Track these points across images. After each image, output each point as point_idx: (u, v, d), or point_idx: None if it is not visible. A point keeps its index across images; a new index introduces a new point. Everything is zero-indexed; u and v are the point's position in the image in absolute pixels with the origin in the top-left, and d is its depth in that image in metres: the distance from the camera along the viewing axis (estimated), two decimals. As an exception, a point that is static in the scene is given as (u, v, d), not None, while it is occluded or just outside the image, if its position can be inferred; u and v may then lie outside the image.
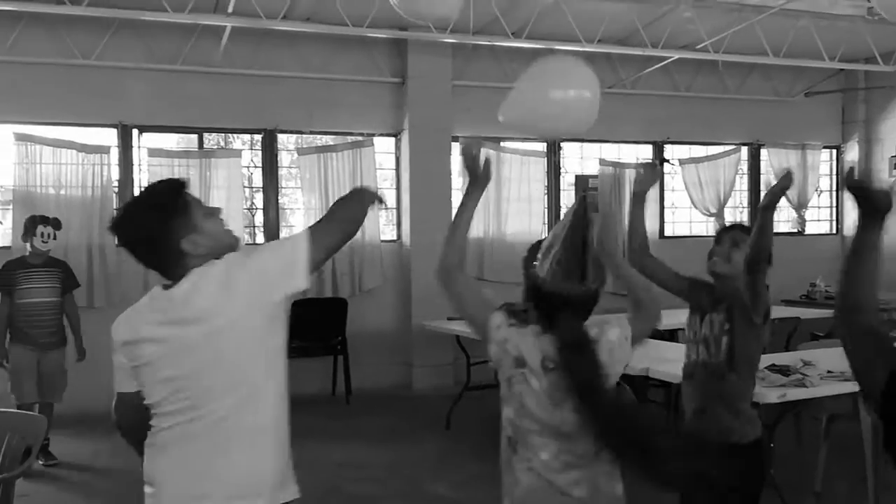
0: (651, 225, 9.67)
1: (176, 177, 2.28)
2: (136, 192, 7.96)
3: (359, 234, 8.96)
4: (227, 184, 8.12)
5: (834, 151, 11.01)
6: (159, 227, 2.08)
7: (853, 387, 4.26)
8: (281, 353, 2.17)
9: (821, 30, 8.15)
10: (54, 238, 5.93)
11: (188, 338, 2.01)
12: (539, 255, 2.32)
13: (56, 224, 5.97)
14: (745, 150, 10.42)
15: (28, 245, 5.89)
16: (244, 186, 8.49)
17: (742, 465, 3.02)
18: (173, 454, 2.05)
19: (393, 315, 8.69)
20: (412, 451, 6.25)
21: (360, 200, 2.25)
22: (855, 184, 1.90)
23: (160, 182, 2.27)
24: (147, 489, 2.11)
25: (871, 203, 1.84)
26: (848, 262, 1.81)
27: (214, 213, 2.22)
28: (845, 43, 8.50)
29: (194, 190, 8.56)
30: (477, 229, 8.95)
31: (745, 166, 10.50)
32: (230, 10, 6.81)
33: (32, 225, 5.88)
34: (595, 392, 2.15)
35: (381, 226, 8.82)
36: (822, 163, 10.84)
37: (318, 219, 2.24)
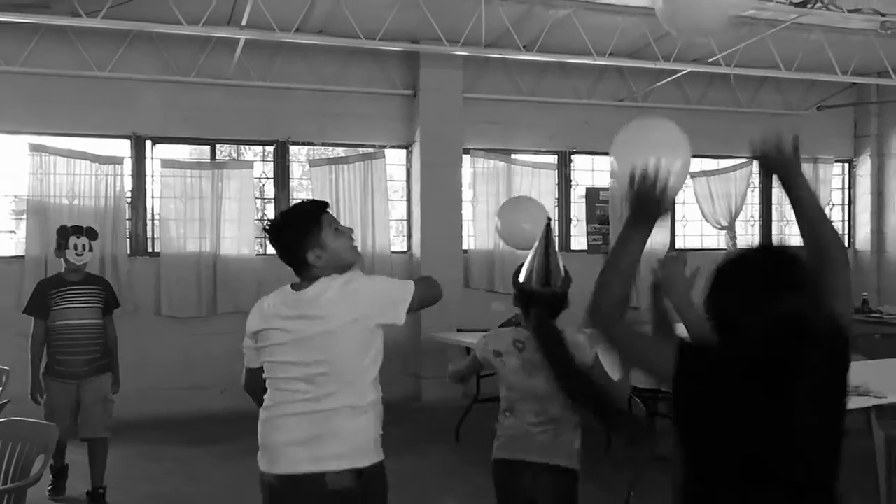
0: (661, 238, 9.63)
1: (318, 199, 2.84)
2: (148, 203, 8.07)
3: (369, 244, 8.91)
4: (239, 195, 8.16)
5: (846, 165, 10.97)
6: (293, 240, 2.67)
7: (866, 401, 4.25)
8: (376, 356, 2.76)
9: (833, 44, 8.14)
10: (90, 249, 5.25)
11: (308, 331, 2.57)
12: (523, 268, 3.20)
13: (91, 234, 5.32)
14: (756, 163, 10.39)
15: (62, 260, 5.26)
16: (256, 197, 8.54)
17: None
18: (290, 422, 2.58)
19: (402, 326, 8.63)
20: (421, 462, 6.24)
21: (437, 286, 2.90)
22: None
23: (305, 202, 2.84)
24: (262, 453, 2.65)
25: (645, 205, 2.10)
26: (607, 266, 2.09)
27: (345, 232, 2.73)
28: (857, 57, 8.48)
29: (205, 200, 8.53)
30: (487, 241, 8.96)
31: (756, 180, 10.47)
32: (244, 22, 6.87)
33: (64, 236, 5.22)
34: (560, 362, 2.93)
35: (392, 237, 8.83)
36: (835, 176, 10.80)
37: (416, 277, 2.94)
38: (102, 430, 5.28)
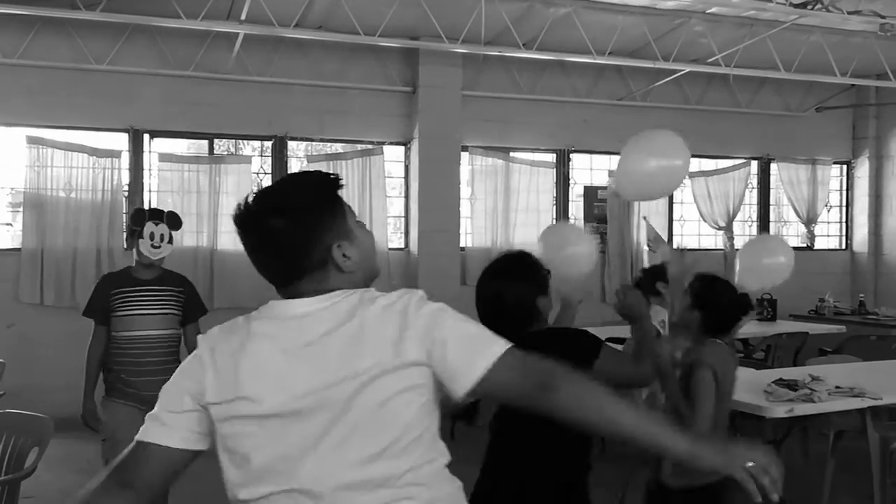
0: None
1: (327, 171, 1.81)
2: (146, 197, 8.05)
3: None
4: (237, 190, 8.14)
5: (844, 167, 10.98)
6: (307, 227, 1.67)
7: (861, 402, 4.25)
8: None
9: (832, 45, 8.14)
10: (170, 241, 4.04)
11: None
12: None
13: (173, 221, 4.09)
14: (754, 164, 10.41)
15: (133, 252, 4.03)
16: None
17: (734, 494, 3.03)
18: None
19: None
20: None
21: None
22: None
23: (311, 173, 1.80)
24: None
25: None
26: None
27: (365, 226, 1.82)
28: (857, 58, 8.49)
29: (203, 195, 8.38)
30: (484, 238, 8.97)
31: (754, 180, 10.48)
32: (243, 17, 6.85)
33: (139, 222, 3.99)
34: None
35: (389, 234, 8.83)
36: (833, 178, 10.81)
37: None
38: None
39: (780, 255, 4.07)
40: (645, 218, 7.75)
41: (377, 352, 1.56)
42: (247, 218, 1.69)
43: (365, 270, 1.73)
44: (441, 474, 1.70)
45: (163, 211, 4.13)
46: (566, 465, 2.56)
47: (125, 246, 7.79)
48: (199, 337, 1.75)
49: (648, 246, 3.35)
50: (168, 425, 1.64)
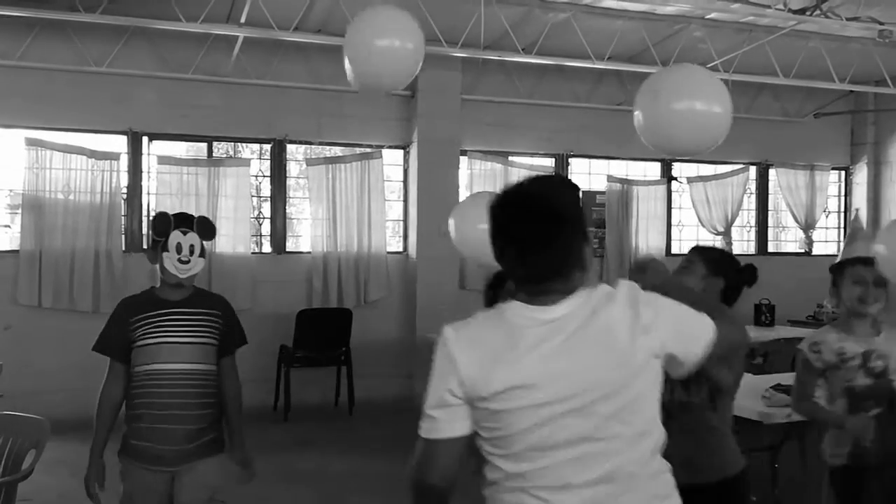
0: (658, 242, 9.67)
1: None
2: (144, 200, 8.04)
3: (364, 244, 8.91)
4: (236, 193, 8.15)
5: (843, 173, 10.99)
6: (575, 232, 1.75)
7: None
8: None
9: (831, 51, 8.16)
10: (201, 254, 3.26)
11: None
12: None
13: (205, 230, 3.32)
14: (753, 169, 10.42)
15: (157, 268, 3.26)
16: (252, 196, 8.52)
17: (735, 496, 3.00)
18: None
19: (397, 327, 8.69)
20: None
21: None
22: None
23: (554, 176, 1.98)
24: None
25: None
26: None
27: None
28: (855, 64, 8.50)
29: (202, 198, 8.28)
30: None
31: (753, 186, 10.49)
32: (242, 20, 6.86)
33: (162, 231, 3.23)
34: None
35: (388, 237, 8.83)
36: (831, 184, 10.83)
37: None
38: None
39: None
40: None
41: (626, 347, 1.70)
42: (529, 212, 1.73)
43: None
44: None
45: (192, 217, 3.30)
46: None
47: (123, 248, 7.80)
48: (447, 331, 1.81)
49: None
50: (446, 420, 1.74)
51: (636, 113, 3.43)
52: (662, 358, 1.75)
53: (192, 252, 3.20)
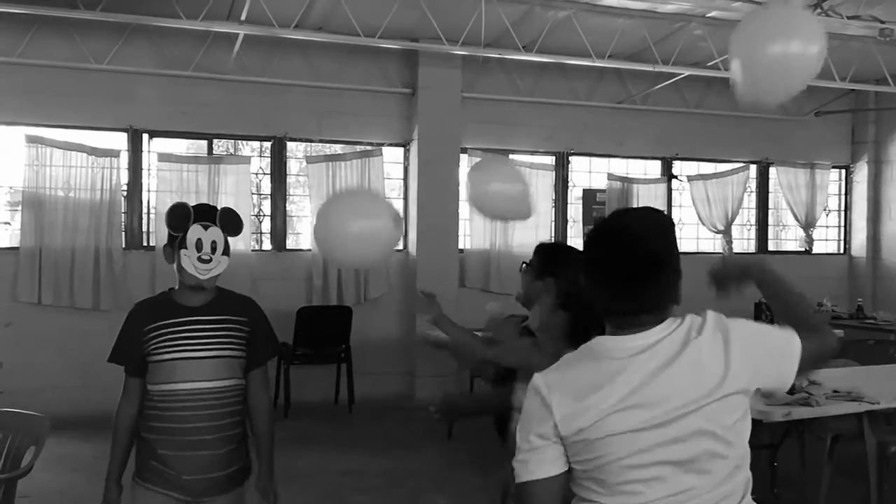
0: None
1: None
2: (144, 197, 8.04)
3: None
4: (236, 190, 8.14)
5: (843, 171, 10.99)
6: (676, 271, 1.80)
7: (858, 407, 4.25)
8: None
9: (832, 50, 8.07)
10: (225, 252, 2.81)
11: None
12: None
13: (230, 223, 2.84)
14: (753, 168, 10.42)
15: (174, 267, 2.79)
16: (252, 193, 8.52)
17: None
18: None
19: (397, 325, 8.69)
20: (414, 460, 6.23)
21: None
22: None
23: (647, 209, 1.92)
24: None
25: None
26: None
27: None
28: (856, 63, 8.50)
29: (202, 195, 8.26)
30: (483, 240, 8.97)
31: (753, 184, 10.49)
32: (243, 17, 6.85)
33: (179, 224, 2.78)
34: None
35: (388, 235, 8.81)
36: (832, 182, 10.83)
37: None
38: None
39: None
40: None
41: (716, 381, 1.69)
42: (629, 254, 1.75)
43: None
44: None
45: (214, 208, 2.84)
46: None
47: (123, 245, 7.80)
48: (537, 379, 1.77)
49: None
50: (539, 461, 1.74)
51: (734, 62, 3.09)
52: (751, 393, 1.75)
53: (213, 249, 2.77)
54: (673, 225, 1.87)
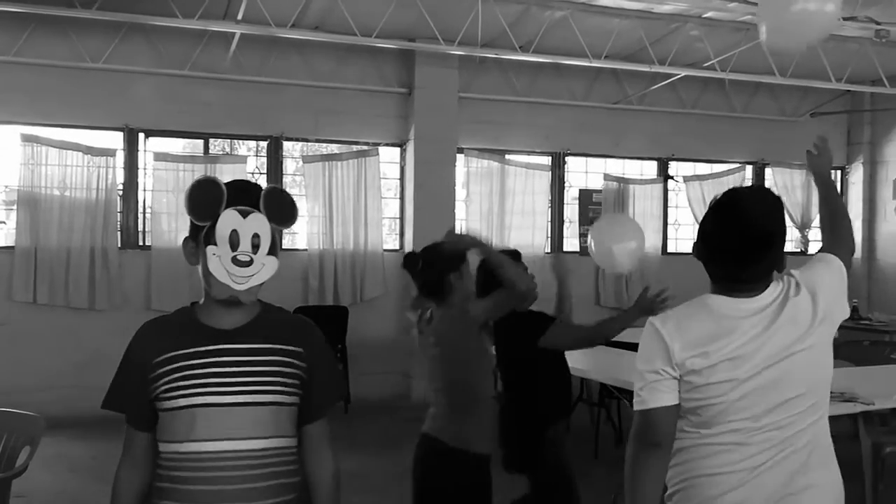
0: (654, 241, 9.67)
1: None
2: (140, 196, 8.02)
3: (361, 242, 8.88)
4: (232, 189, 8.12)
5: (838, 173, 11.00)
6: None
7: (853, 408, 4.26)
8: None
9: (828, 51, 8.16)
10: (271, 250, 1.91)
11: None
12: None
13: (278, 209, 1.93)
14: (749, 168, 10.43)
15: (199, 271, 1.97)
16: (248, 192, 8.49)
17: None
18: (768, 479, 2.09)
19: (393, 325, 8.68)
20: (409, 461, 6.22)
21: None
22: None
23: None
24: None
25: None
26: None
27: None
28: (852, 64, 8.51)
29: None
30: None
31: (748, 185, 10.50)
32: (240, 17, 6.85)
33: (207, 210, 1.88)
34: None
35: (384, 235, 8.82)
36: (827, 183, 10.83)
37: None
38: None
39: None
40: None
41: (810, 332, 2.02)
42: (747, 231, 2.02)
43: None
44: None
45: (258, 187, 1.94)
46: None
47: (119, 245, 7.77)
48: (655, 321, 2.06)
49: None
50: (661, 391, 2.01)
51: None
52: (833, 333, 2.08)
53: (255, 247, 1.89)
54: (781, 203, 2.15)
